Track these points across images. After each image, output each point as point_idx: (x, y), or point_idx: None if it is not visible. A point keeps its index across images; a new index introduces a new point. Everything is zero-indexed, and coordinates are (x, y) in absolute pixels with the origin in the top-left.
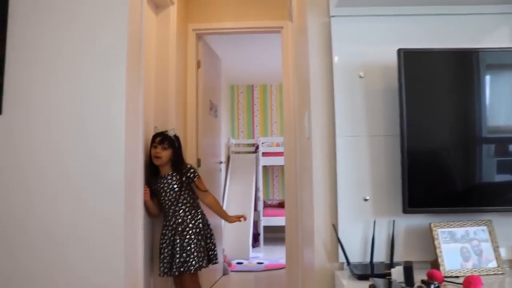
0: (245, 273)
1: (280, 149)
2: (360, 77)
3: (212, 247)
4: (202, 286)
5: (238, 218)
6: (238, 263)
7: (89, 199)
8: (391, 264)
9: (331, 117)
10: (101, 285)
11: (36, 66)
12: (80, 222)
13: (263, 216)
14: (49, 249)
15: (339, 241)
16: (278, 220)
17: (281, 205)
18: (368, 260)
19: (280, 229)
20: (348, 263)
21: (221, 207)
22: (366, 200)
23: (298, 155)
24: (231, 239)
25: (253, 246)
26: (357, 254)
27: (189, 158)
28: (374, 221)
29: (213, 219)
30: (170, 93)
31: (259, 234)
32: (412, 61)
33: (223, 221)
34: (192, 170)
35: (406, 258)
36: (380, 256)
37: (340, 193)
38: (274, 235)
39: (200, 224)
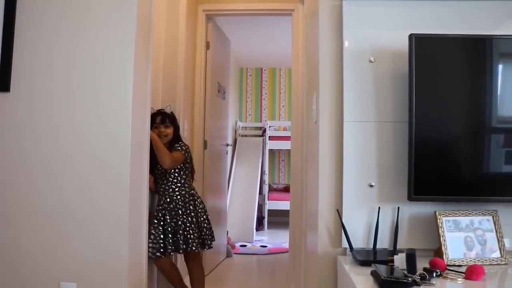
0: (248, 256)
1: (287, 133)
2: (370, 61)
3: (206, 231)
4: (205, 267)
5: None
6: (241, 245)
7: (94, 177)
8: (394, 251)
9: (339, 101)
10: (105, 264)
11: (44, 45)
12: (84, 200)
13: (268, 199)
14: (50, 229)
15: (343, 226)
16: (283, 204)
17: (286, 189)
18: (371, 246)
19: (284, 213)
20: (351, 248)
21: (162, 152)
22: (371, 186)
23: (304, 139)
24: (235, 222)
25: (257, 229)
26: (360, 240)
27: (196, 139)
28: (379, 208)
29: (216, 201)
30: (179, 74)
31: (263, 218)
32: (423, 47)
33: (228, 203)
34: (177, 145)
35: (409, 246)
36: (384, 243)
37: (345, 179)
38: (279, 219)
39: (191, 206)
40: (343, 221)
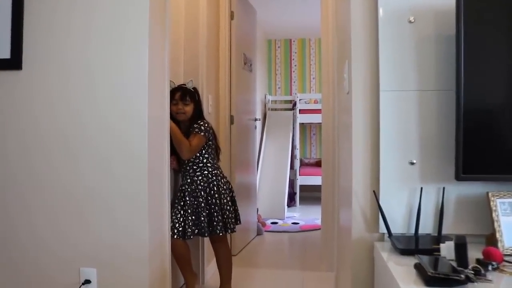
0: (280, 234)
1: (318, 106)
2: (410, 22)
3: (228, 214)
4: (235, 246)
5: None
6: (272, 222)
7: (110, 158)
8: (439, 238)
9: (375, 69)
10: (125, 247)
11: (54, 20)
12: (101, 181)
13: (300, 175)
14: (69, 210)
15: (380, 209)
16: (315, 179)
17: (318, 164)
18: (412, 231)
19: (317, 188)
20: (390, 234)
21: (180, 143)
22: (412, 164)
23: (336, 112)
24: (266, 198)
25: (289, 205)
26: (400, 224)
27: (222, 115)
28: (421, 188)
29: (245, 178)
30: (200, 46)
31: (295, 193)
32: (473, 3)
33: (258, 180)
34: (196, 126)
35: (456, 231)
36: (427, 227)
37: (382, 155)
38: (311, 194)
39: (214, 187)
40: (381, 203)
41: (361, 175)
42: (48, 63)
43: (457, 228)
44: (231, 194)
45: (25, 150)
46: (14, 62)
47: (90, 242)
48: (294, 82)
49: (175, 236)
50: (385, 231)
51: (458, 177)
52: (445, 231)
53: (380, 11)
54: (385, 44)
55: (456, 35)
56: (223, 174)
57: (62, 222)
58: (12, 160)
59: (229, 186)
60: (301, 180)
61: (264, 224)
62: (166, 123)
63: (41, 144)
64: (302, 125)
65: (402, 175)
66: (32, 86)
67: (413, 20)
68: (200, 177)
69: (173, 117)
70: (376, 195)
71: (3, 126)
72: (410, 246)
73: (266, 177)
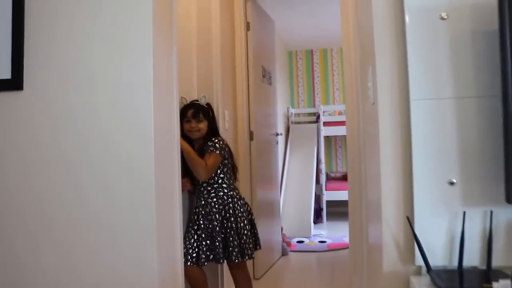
0: (306, 254)
1: (342, 118)
2: (442, 19)
3: (245, 239)
4: (259, 268)
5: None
6: (298, 241)
7: (114, 179)
8: (489, 272)
9: (403, 74)
10: (132, 278)
11: (55, 36)
12: (105, 206)
13: (326, 190)
14: (72, 238)
15: (415, 238)
16: (342, 194)
17: (345, 177)
18: (454, 263)
19: (344, 204)
20: (429, 269)
21: (194, 161)
22: (452, 183)
23: (361, 125)
24: (291, 216)
25: (315, 222)
26: (439, 255)
27: (240, 131)
28: (464, 213)
29: (267, 195)
30: (214, 59)
31: (321, 209)
32: None
33: (282, 197)
34: (210, 144)
35: (508, 263)
36: (472, 259)
37: (416, 175)
38: (338, 209)
39: (230, 210)
40: (416, 231)
41: (392, 199)
42: (50, 81)
43: (509, 259)
44: (249, 216)
45: (27, 175)
46: (15, 82)
47: (97, 273)
48: (317, 94)
49: (189, 263)
50: (422, 263)
51: (510, 200)
52: (494, 263)
53: (406, 8)
54: (414, 46)
55: (499, 30)
56: (240, 196)
57: (67, 252)
58: (14, 186)
59: (247, 208)
60: (327, 195)
61: (289, 244)
62: (176, 141)
63: (44, 169)
64: (327, 138)
65: (440, 197)
66: (34, 107)
67: (445, 17)
68: (214, 199)
69: (186, 136)
70: (410, 221)
71: (4, 151)
72: (455, 284)
73: (290, 193)
